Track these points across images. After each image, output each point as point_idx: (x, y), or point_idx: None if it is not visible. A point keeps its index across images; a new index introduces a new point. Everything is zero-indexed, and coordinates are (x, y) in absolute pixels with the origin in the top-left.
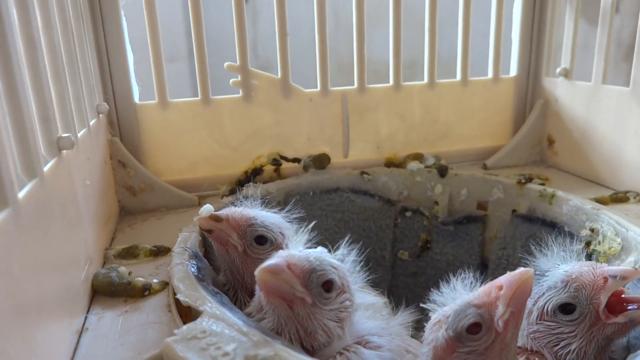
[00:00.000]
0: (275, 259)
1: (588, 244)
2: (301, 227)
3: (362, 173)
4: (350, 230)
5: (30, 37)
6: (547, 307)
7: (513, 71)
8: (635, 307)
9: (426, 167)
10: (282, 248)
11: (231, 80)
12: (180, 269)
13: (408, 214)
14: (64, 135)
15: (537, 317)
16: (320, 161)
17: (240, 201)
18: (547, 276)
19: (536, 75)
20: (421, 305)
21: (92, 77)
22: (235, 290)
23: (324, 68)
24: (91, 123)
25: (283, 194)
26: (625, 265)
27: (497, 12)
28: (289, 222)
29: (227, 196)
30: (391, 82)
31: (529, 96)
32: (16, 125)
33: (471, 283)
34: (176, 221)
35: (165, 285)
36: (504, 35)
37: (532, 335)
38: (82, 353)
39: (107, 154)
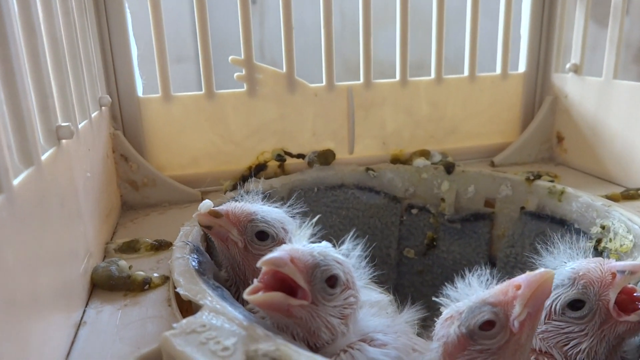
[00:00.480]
0: (278, 252)
1: (599, 241)
2: (305, 221)
3: (368, 169)
4: (355, 227)
5: (30, 25)
6: (556, 305)
7: (522, 67)
8: None
9: (433, 164)
10: (284, 244)
11: (235, 74)
12: (181, 263)
13: (414, 211)
14: (63, 124)
15: (546, 316)
16: (325, 157)
17: (242, 196)
18: None
19: (545, 71)
20: (433, 299)
21: (94, 69)
22: (237, 286)
23: (330, 62)
24: (93, 115)
25: (287, 189)
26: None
27: (506, 7)
28: (292, 217)
29: (230, 191)
30: (398, 77)
31: (538, 92)
32: (13, 111)
33: (487, 280)
34: (178, 216)
35: (165, 279)
36: (512, 31)
37: (540, 335)
38: (79, 347)
39: (110, 147)
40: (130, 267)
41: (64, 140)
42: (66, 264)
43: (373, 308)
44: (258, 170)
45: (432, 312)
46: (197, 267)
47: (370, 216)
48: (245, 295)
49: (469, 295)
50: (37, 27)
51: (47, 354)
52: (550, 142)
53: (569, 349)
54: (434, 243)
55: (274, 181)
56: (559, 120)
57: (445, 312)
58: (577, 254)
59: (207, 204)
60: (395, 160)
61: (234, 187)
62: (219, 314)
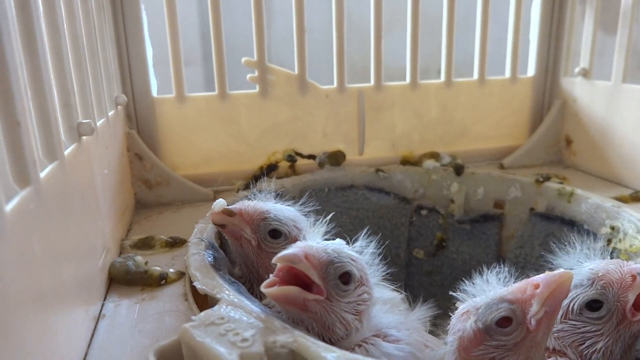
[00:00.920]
0: (293, 249)
1: (608, 242)
2: (318, 220)
3: (378, 170)
4: (365, 228)
5: (54, 24)
6: (573, 305)
7: (531, 71)
8: None
9: (442, 165)
10: (297, 242)
11: (248, 76)
12: (197, 259)
13: (424, 212)
14: (84, 121)
15: (562, 316)
16: (336, 158)
17: (254, 195)
18: None
19: (554, 75)
20: (450, 293)
21: (111, 69)
22: (251, 284)
23: (341, 64)
24: (110, 114)
25: (298, 190)
26: None
27: (515, 11)
28: (304, 215)
29: (242, 190)
30: (408, 80)
31: (547, 96)
32: (39, 107)
33: (504, 278)
34: (191, 215)
35: (181, 275)
36: (521, 35)
37: (555, 334)
38: (99, 339)
39: (125, 146)
40: (146, 263)
41: (84, 137)
42: (86, 258)
43: (386, 305)
44: (269, 170)
45: (442, 311)
46: (213, 263)
47: (380, 217)
48: (262, 288)
49: (487, 291)
50: (60, 26)
51: (70, 345)
52: (558, 145)
53: (584, 348)
54: (443, 244)
55: (285, 181)
56: (568, 124)
57: (462, 307)
58: (594, 255)
59: (220, 203)
60: (405, 161)
61: (246, 187)
62: (236, 307)
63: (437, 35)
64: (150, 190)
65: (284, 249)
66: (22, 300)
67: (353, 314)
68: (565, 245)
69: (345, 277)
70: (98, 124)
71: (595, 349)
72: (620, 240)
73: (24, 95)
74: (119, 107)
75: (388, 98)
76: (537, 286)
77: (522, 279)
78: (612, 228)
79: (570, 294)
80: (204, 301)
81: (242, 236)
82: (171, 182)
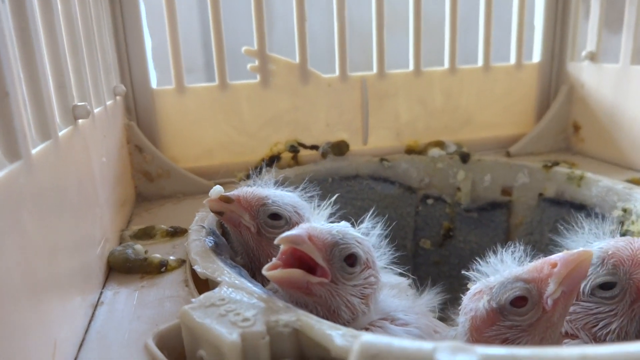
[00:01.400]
0: (297, 230)
1: (621, 224)
2: (321, 205)
3: (382, 160)
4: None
5: (46, 2)
6: (585, 286)
7: (536, 57)
8: None
9: (448, 154)
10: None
11: (249, 65)
12: (198, 244)
13: (430, 201)
14: (79, 103)
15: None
16: (339, 148)
17: (254, 182)
18: None
19: (560, 61)
20: (463, 272)
21: (109, 58)
22: (253, 272)
23: (343, 52)
24: (108, 103)
25: (301, 180)
26: None
27: None
28: (305, 200)
29: (244, 181)
30: (411, 67)
31: (553, 82)
32: (30, 83)
33: (520, 257)
34: (193, 207)
35: (182, 262)
36: (526, 20)
37: (567, 317)
38: (97, 325)
39: (124, 137)
40: (146, 252)
41: (80, 120)
42: (83, 245)
43: (393, 290)
44: (271, 161)
45: (450, 301)
46: (214, 248)
47: (385, 207)
48: (264, 271)
49: (501, 270)
50: (54, 6)
51: (66, 331)
52: (566, 132)
53: (597, 330)
54: (451, 233)
55: (288, 171)
56: (575, 110)
57: (475, 287)
58: (603, 234)
59: (217, 190)
60: (410, 150)
61: (247, 178)
62: (237, 288)
63: (438, 33)
64: (151, 182)
65: None
66: (13, 280)
67: (359, 298)
68: (573, 227)
69: (351, 259)
70: (95, 111)
71: (610, 330)
72: (633, 222)
73: (13, 66)
74: (117, 97)
75: (391, 86)
76: (554, 265)
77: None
78: (624, 210)
79: None
80: (205, 287)
81: (241, 223)
82: (172, 174)
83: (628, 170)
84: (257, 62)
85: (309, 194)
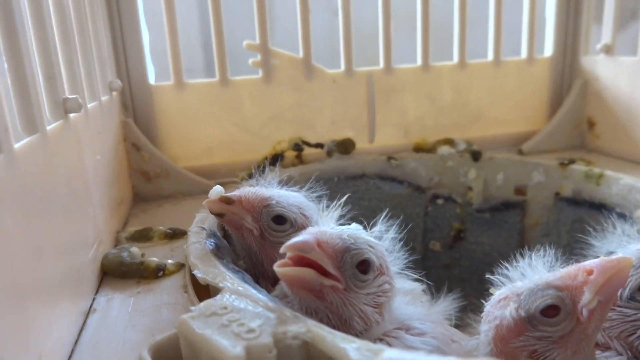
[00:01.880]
0: (304, 236)
1: None
2: (328, 206)
3: (390, 158)
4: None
5: None
6: (623, 289)
7: (548, 50)
8: None
9: (458, 152)
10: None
11: (250, 60)
12: (198, 247)
13: (439, 201)
14: (70, 96)
15: None
16: (345, 146)
17: (256, 182)
18: None
19: (573, 54)
20: (487, 276)
21: (104, 52)
22: (257, 277)
23: (348, 46)
24: (103, 99)
25: (305, 179)
26: None
27: None
28: (312, 201)
29: (246, 181)
30: (419, 62)
31: (566, 76)
32: (15, 74)
33: (550, 262)
34: (192, 208)
35: (181, 266)
36: (537, 13)
37: None
38: (87, 334)
39: (121, 135)
40: (143, 255)
41: (71, 115)
42: (74, 247)
43: (407, 296)
44: (275, 160)
45: (461, 306)
46: (215, 251)
47: (393, 207)
48: (275, 267)
49: (528, 275)
50: None
51: (52, 341)
52: (580, 128)
53: (635, 338)
54: (462, 235)
55: (292, 171)
56: (590, 105)
57: (499, 292)
58: (635, 237)
59: (217, 190)
60: (418, 149)
61: (249, 178)
62: (241, 295)
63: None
64: (149, 182)
65: (290, 238)
66: None
67: (372, 307)
68: (596, 229)
69: (364, 266)
70: (89, 106)
71: None
72: None
73: None
74: (113, 93)
75: (399, 81)
76: (590, 272)
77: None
78: None
79: None
80: (205, 293)
81: (243, 225)
82: (171, 173)
83: None
84: (259, 57)
85: (315, 194)
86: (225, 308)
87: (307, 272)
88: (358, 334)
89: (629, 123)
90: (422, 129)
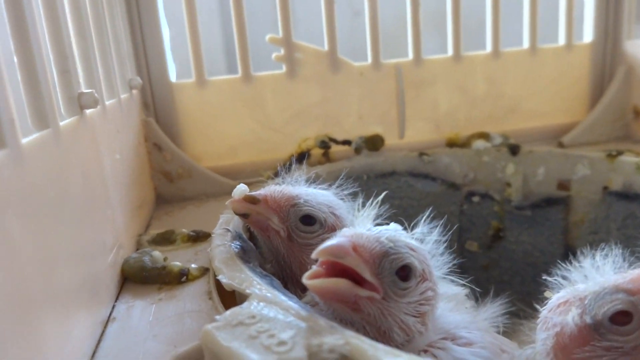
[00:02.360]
0: (338, 239)
1: None
2: (360, 204)
3: (421, 154)
4: (410, 219)
5: None
6: None
7: (588, 36)
8: None
9: (494, 146)
10: (336, 232)
11: (274, 55)
12: (222, 250)
13: (475, 199)
14: (86, 91)
15: None
16: (373, 143)
17: (282, 180)
18: None
19: (615, 39)
20: (544, 277)
21: (123, 49)
22: (285, 282)
23: (376, 37)
24: (122, 97)
25: (333, 178)
26: None
27: None
28: (342, 199)
29: (272, 179)
30: (450, 52)
31: (608, 63)
32: (24, 65)
33: (617, 263)
34: (216, 209)
35: (205, 271)
36: None
37: None
38: (106, 346)
39: (142, 135)
40: (165, 259)
41: (88, 111)
42: (90, 251)
43: (450, 303)
44: (301, 158)
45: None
46: (240, 254)
47: (426, 206)
48: (304, 280)
49: (592, 277)
50: None
51: (66, 354)
52: (625, 118)
53: None
54: (500, 234)
55: (319, 169)
56: (636, 93)
57: (559, 296)
58: None
59: (241, 189)
60: (451, 143)
61: (276, 177)
62: (270, 303)
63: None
64: (171, 183)
65: (321, 240)
66: None
67: (414, 316)
68: None
69: (404, 272)
70: (107, 103)
71: None
72: None
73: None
74: (133, 91)
75: (429, 73)
76: None
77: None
78: None
79: None
80: (231, 300)
81: (269, 226)
82: (194, 174)
83: None
84: (282, 51)
85: (345, 191)
86: (254, 317)
87: (340, 284)
88: (399, 346)
89: None
90: (455, 123)
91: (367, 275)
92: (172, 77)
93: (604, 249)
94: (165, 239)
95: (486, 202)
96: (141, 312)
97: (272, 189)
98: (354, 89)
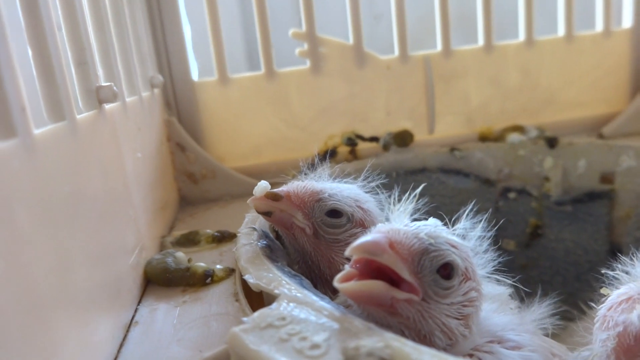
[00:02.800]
0: (374, 235)
1: None
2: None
3: (453, 150)
4: (441, 218)
5: None
6: None
7: (627, 21)
8: None
9: (530, 139)
10: (364, 227)
11: (297, 50)
12: (248, 250)
13: (511, 195)
14: (104, 84)
15: None
16: (402, 138)
17: (305, 175)
18: None
19: None
20: (603, 271)
21: (144, 46)
22: (314, 283)
23: (402, 28)
24: (144, 94)
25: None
26: None
27: None
28: (367, 192)
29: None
30: (481, 42)
31: None
32: (38, 53)
33: None
34: (242, 210)
35: (230, 272)
36: None
37: None
38: (128, 351)
39: (164, 135)
40: (189, 260)
41: (107, 106)
42: (111, 252)
43: (494, 303)
44: (327, 156)
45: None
46: (268, 253)
47: (459, 203)
48: (336, 283)
49: None
50: None
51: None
52: None
53: None
54: (539, 231)
55: (347, 166)
56: None
57: (619, 292)
58: None
59: (262, 186)
60: (484, 138)
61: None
62: (301, 303)
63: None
64: (195, 184)
65: (349, 235)
66: (4, 297)
67: (457, 319)
68: None
69: (446, 270)
70: (127, 99)
71: None
72: None
73: (6, 22)
74: (155, 90)
75: (459, 65)
76: None
77: None
78: None
79: None
80: (259, 302)
81: (294, 224)
82: (218, 174)
83: None
84: (306, 46)
85: (372, 183)
86: (284, 319)
87: (376, 287)
88: (441, 350)
89: None
90: (487, 116)
91: (405, 274)
92: (194, 75)
93: None
94: (189, 240)
95: (523, 198)
96: (165, 315)
97: (294, 185)
98: (380, 84)
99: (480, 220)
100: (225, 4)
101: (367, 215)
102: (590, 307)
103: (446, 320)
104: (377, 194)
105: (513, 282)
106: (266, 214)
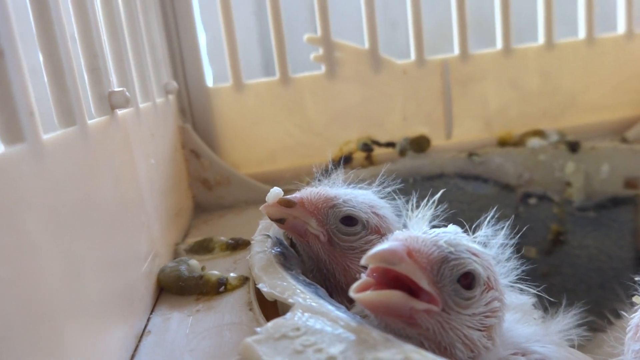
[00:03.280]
0: (391, 243)
1: None
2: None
3: (471, 155)
4: (461, 224)
5: None
6: None
7: None
8: None
9: (550, 143)
10: (380, 234)
11: (312, 55)
12: (262, 257)
13: (532, 200)
14: (116, 89)
15: None
16: (419, 144)
17: (319, 180)
18: None
19: None
20: (637, 278)
21: (159, 52)
22: (329, 291)
23: (419, 32)
24: (158, 100)
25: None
26: None
27: None
28: (383, 198)
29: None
30: (499, 45)
31: None
32: (48, 55)
33: None
34: (256, 217)
35: (244, 280)
36: None
37: None
38: None
39: (179, 141)
40: (203, 268)
41: (119, 111)
42: (123, 260)
43: (517, 314)
44: (342, 162)
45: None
46: (282, 261)
47: (478, 209)
48: (352, 293)
49: None
50: None
51: None
52: None
53: None
54: (561, 238)
55: (363, 172)
56: None
57: None
58: None
59: (275, 192)
60: (503, 142)
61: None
62: (316, 313)
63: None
64: (210, 191)
65: (365, 242)
66: (6, 313)
67: (479, 330)
68: None
69: (467, 280)
70: (141, 105)
71: None
72: None
73: (12, 18)
74: (169, 96)
75: (477, 69)
76: None
77: None
78: None
79: None
80: (273, 311)
81: (307, 231)
82: (232, 181)
83: None
84: (321, 51)
85: (388, 189)
86: (298, 329)
87: (393, 297)
88: None
89: None
90: (506, 121)
91: (424, 284)
92: (209, 81)
93: None
94: (203, 248)
95: (544, 203)
96: (178, 324)
97: (308, 191)
98: (397, 88)
99: (502, 227)
100: (240, 9)
101: (383, 222)
102: (618, 316)
103: (467, 331)
104: (394, 199)
105: (537, 291)
106: (279, 221)
